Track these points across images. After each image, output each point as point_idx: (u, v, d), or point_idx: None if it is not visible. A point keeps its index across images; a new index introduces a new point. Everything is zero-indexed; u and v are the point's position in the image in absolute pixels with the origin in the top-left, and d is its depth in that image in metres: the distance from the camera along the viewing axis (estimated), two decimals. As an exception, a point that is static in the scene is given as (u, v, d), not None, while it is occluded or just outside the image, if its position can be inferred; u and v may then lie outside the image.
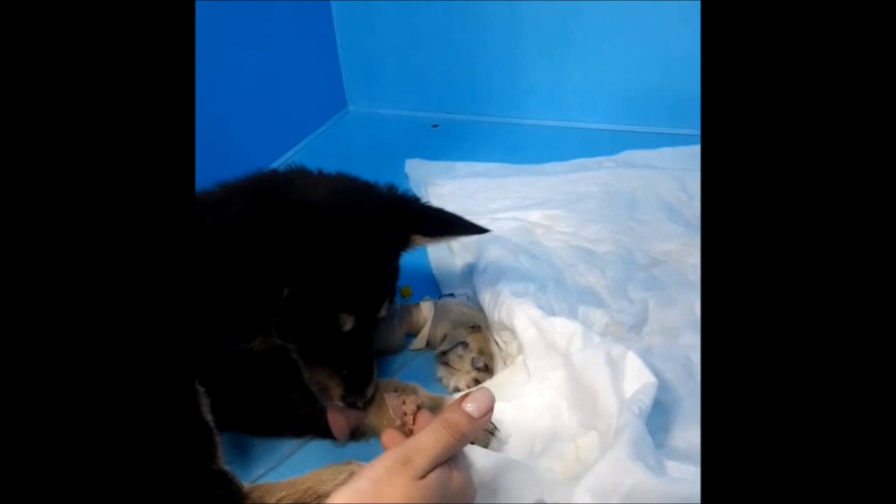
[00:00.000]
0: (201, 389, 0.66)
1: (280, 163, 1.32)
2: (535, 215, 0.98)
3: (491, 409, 0.48)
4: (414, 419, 0.57)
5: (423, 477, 0.44)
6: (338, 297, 0.61)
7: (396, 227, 0.67)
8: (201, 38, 1.01)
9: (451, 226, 0.71)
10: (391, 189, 0.71)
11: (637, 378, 0.60)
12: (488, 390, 0.49)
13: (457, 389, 0.70)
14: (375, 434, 0.67)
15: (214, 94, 1.10)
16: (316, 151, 1.37)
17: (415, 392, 0.66)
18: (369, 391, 0.64)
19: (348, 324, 0.62)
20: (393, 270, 0.67)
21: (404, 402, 0.59)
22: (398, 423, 0.58)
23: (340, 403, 0.64)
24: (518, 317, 0.68)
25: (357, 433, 0.68)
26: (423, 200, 0.73)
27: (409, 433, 0.56)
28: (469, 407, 0.47)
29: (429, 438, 0.45)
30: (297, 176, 0.70)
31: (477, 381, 0.69)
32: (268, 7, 1.23)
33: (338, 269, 0.60)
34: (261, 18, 1.22)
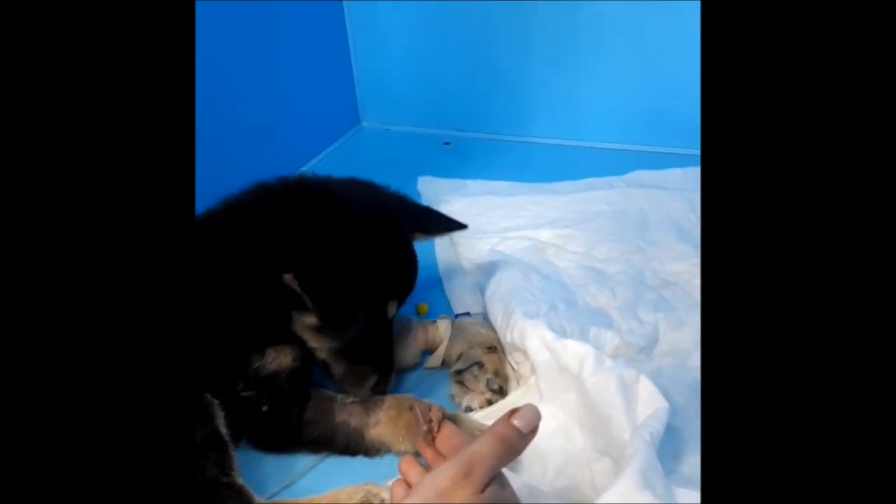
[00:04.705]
0: (215, 402, 0.67)
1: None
2: (545, 234, 0.99)
3: (537, 426, 0.49)
4: (439, 427, 0.58)
5: (483, 490, 0.45)
6: (387, 287, 0.68)
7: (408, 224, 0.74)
8: (212, 52, 1.03)
9: (440, 223, 0.80)
10: (389, 189, 0.78)
11: (649, 402, 0.61)
12: (534, 407, 0.50)
13: (469, 409, 0.71)
14: (389, 449, 0.68)
15: (226, 110, 1.11)
16: (330, 167, 1.39)
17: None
18: (393, 378, 0.71)
19: (392, 310, 0.69)
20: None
21: (430, 409, 0.61)
22: (424, 428, 0.59)
23: (368, 392, 0.69)
24: (530, 338, 0.69)
25: (371, 449, 0.69)
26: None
27: (431, 441, 0.58)
28: (517, 422, 0.48)
29: (485, 450, 0.47)
30: (322, 181, 0.74)
31: (490, 403, 0.70)
32: (282, 23, 1.25)
33: (387, 262, 0.67)
34: (274, 34, 1.23)
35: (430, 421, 0.59)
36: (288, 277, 0.62)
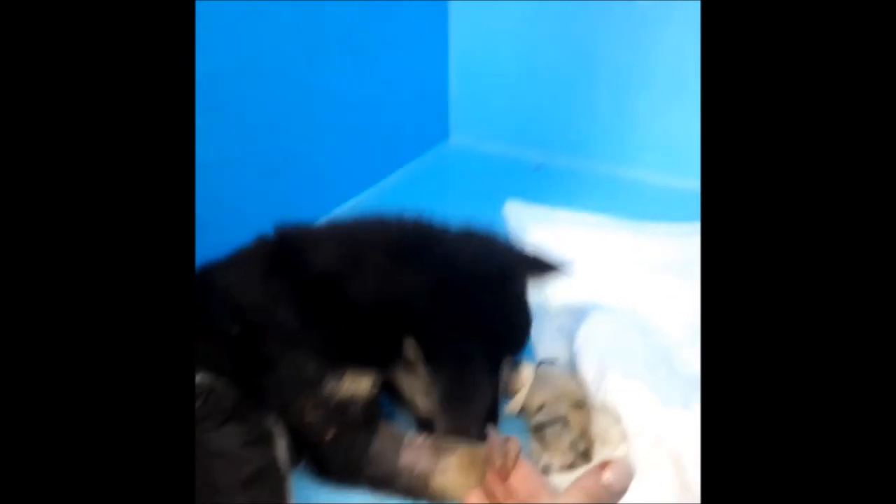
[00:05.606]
0: (278, 425, 0.63)
1: (367, 196, 1.26)
2: (641, 280, 0.91)
3: (628, 487, 0.43)
4: (514, 464, 0.52)
5: None
6: (503, 347, 0.66)
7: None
8: (292, 42, 0.99)
9: (548, 265, 0.75)
10: (504, 236, 0.75)
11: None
12: (628, 463, 0.45)
13: (546, 469, 0.64)
14: (453, 501, 0.62)
15: (297, 109, 1.06)
16: (412, 185, 1.32)
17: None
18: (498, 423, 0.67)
19: (507, 368, 0.67)
20: None
21: (507, 441, 0.55)
22: (497, 463, 0.53)
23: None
24: (629, 403, 0.62)
25: (434, 497, 0.63)
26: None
27: (505, 477, 0.52)
28: (608, 478, 0.42)
29: None
30: (439, 232, 0.71)
31: (572, 466, 0.63)
32: (374, 15, 1.17)
33: (505, 323, 0.66)
34: (365, 28, 1.16)
35: (506, 455, 0.53)
36: (408, 344, 0.62)
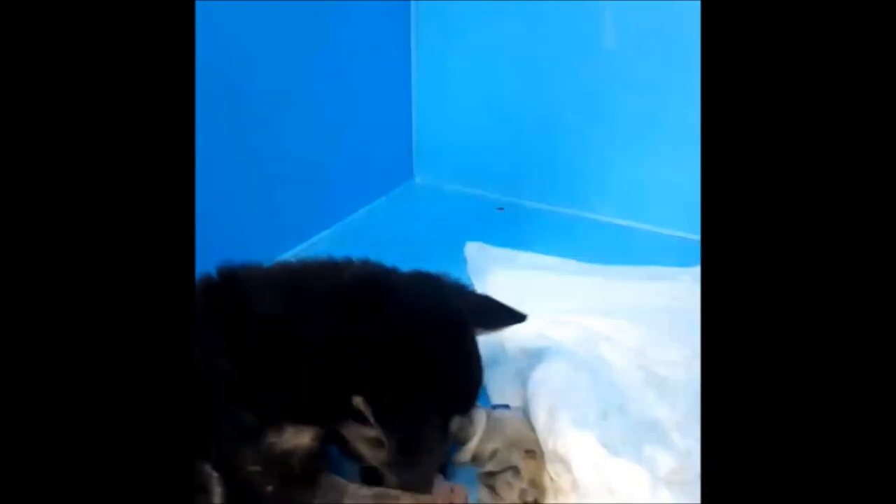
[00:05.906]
0: (215, 475, 0.61)
1: (330, 233, 1.25)
2: (599, 324, 0.91)
3: None
4: None
5: None
6: (453, 404, 0.64)
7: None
8: (250, 77, 0.98)
9: (502, 316, 0.74)
10: (457, 282, 0.72)
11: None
12: None
13: (496, 519, 0.62)
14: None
15: (268, 146, 1.05)
16: (376, 223, 1.32)
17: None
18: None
19: (455, 425, 0.65)
20: None
21: (453, 491, 0.59)
22: None
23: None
24: (577, 452, 0.61)
25: None
26: (476, 289, 0.79)
27: None
28: None
29: None
30: (390, 278, 0.68)
31: (521, 516, 0.62)
32: (341, 58, 1.17)
33: (455, 380, 0.64)
34: (332, 70, 1.16)
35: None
36: (358, 401, 0.59)
